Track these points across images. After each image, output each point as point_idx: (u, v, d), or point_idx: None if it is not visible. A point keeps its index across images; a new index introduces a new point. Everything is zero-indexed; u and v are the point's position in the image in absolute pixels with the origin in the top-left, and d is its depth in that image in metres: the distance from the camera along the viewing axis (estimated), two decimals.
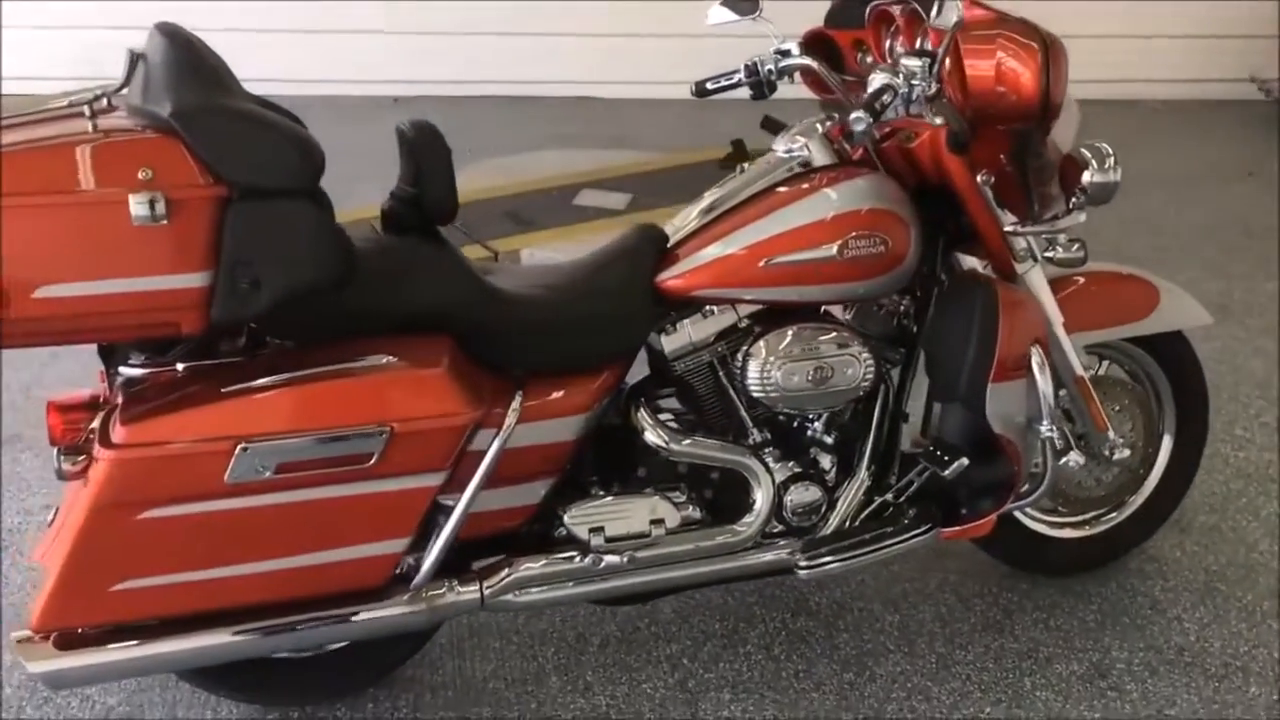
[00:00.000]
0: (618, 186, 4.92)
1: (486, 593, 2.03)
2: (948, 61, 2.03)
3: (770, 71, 2.36)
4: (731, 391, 2.18)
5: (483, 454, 1.91)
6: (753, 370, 2.11)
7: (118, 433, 1.70)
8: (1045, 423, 2.14)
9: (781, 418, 2.23)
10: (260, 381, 1.76)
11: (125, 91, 1.79)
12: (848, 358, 2.13)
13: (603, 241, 2.25)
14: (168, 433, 1.71)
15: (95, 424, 1.88)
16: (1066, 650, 2.39)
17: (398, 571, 1.97)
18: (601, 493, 2.13)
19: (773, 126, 5.47)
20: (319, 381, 1.77)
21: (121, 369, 1.86)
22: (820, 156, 2.19)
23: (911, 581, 2.59)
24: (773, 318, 2.17)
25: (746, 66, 2.36)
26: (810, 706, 2.24)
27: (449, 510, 1.94)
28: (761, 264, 2.07)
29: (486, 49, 6.63)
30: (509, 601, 2.06)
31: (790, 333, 2.12)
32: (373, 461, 1.79)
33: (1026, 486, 2.24)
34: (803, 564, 2.18)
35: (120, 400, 1.79)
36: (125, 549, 1.76)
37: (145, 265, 1.66)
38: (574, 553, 2.08)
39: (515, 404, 1.93)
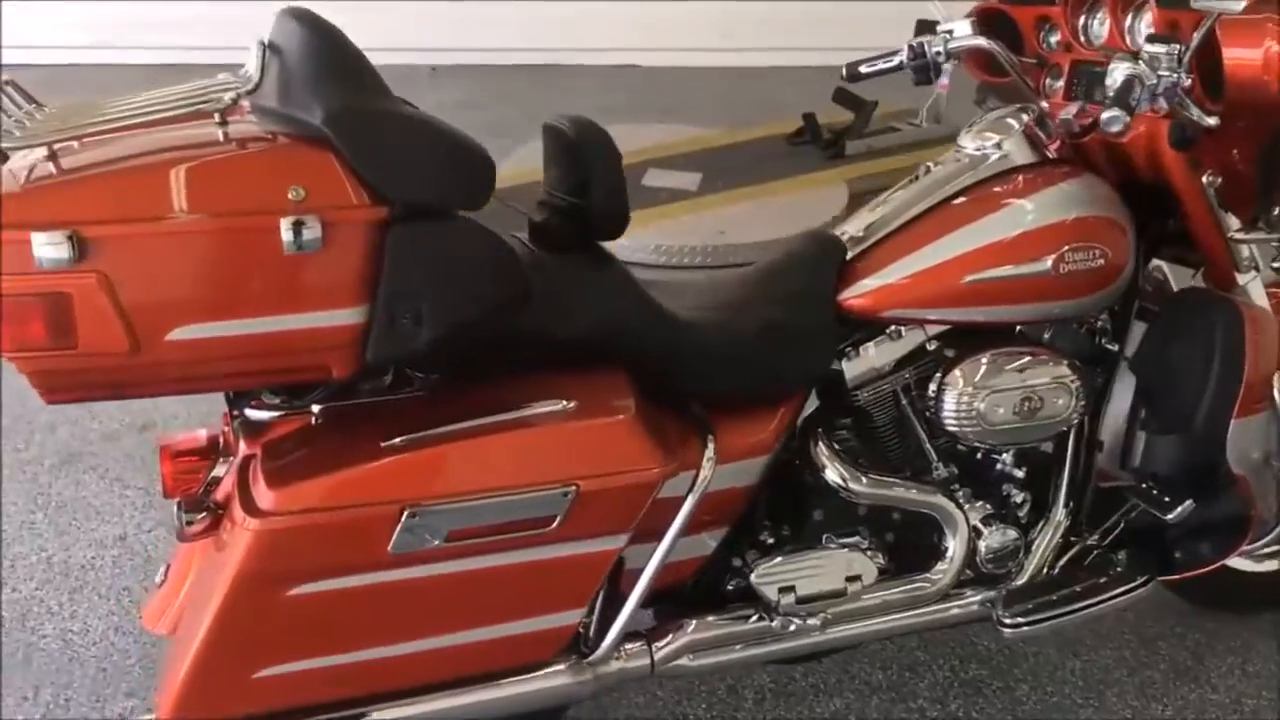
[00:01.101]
0: (684, 165, 4.64)
1: (657, 657, 1.78)
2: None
3: (939, 54, 2.07)
4: (915, 422, 1.92)
5: (667, 507, 1.65)
6: (949, 401, 1.85)
7: (266, 498, 1.44)
8: None
9: (964, 450, 1.97)
10: (426, 434, 1.49)
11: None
12: (1058, 386, 1.86)
13: (772, 251, 1.98)
14: (324, 497, 1.44)
15: (219, 473, 1.65)
16: (1273, 702, 2.15)
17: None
18: (771, 540, 1.87)
19: (847, 100, 5.18)
20: (494, 434, 1.50)
21: (248, 411, 1.60)
22: (1020, 155, 1.92)
23: (1085, 622, 2.33)
24: (962, 339, 1.91)
25: (911, 47, 2.07)
26: None
27: (626, 571, 1.69)
28: (964, 281, 1.81)
29: (522, 16, 6.33)
30: (681, 666, 1.81)
31: (991, 359, 1.85)
32: (555, 525, 1.53)
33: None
34: (1007, 620, 1.92)
35: (258, 452, 1.53)
36: (272, 630, 1.49)
37: (296, 301, 1.39)
38: (755, 612, 1.83)
39: (710, 451, 1.67)
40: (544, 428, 1.52)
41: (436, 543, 1.49)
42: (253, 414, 1.60)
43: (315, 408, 1.58)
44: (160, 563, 2.39)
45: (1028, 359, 1.87)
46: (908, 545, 1.94)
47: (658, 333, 1.68)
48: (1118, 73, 1.74)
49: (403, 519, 1.46)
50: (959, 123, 5.52)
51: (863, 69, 2.14)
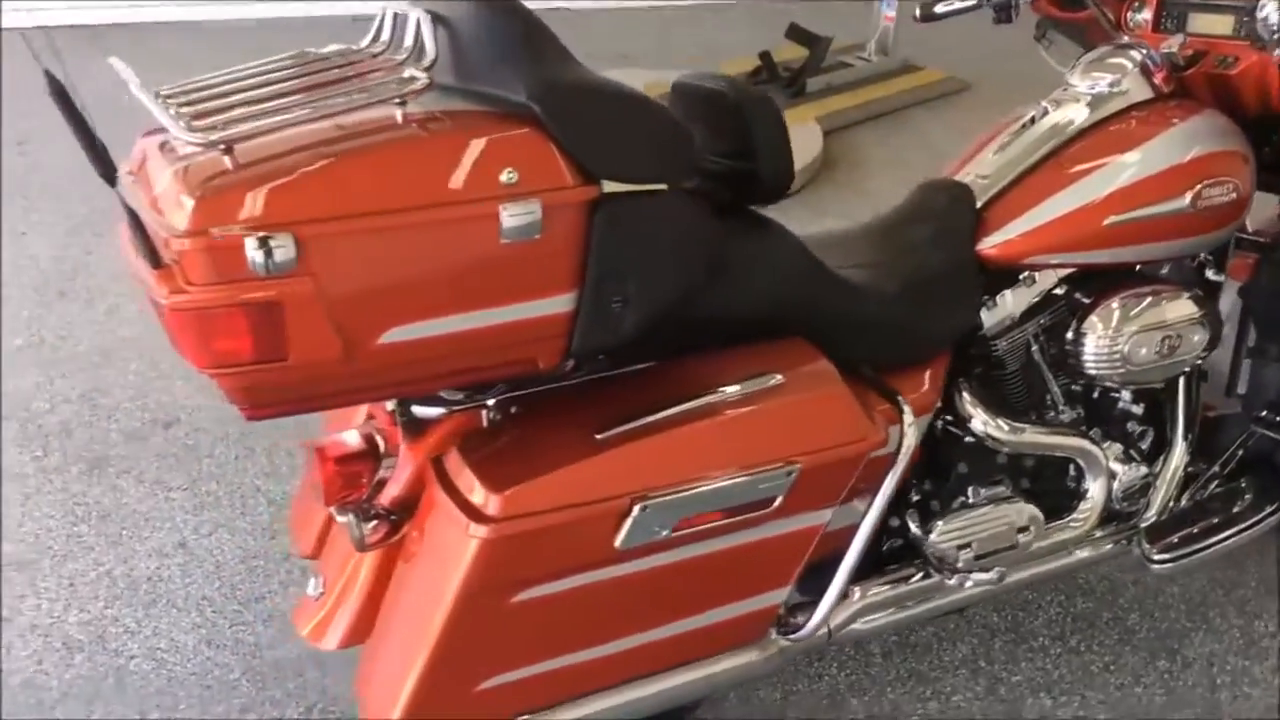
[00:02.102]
0: None
1: (833, 625, 1.75)
2: None
3: None
4: (1043, 367, 1.92)
5: (864, 474, 1.61)
6: (1091, 346, 1.84)
7: (491, 502, 1.34)
8: None
9: (1085, 391, 1.98)
10: (645, 422, 1.41)
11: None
12: (1192, 321, 1.87)
13: (898, 203, 1.94)
14: (554, 497, 1.35)
15: (384, 475, 1.54)
16: None
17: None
18: (917, 496, 1.85)
19: (800, 36, 5.13)
20: (716, 416, 1.43)
21: (415, 409, 1.50)
22: (1139, 91, 1.91)
23: None
24: (1087, 282, 1.90)
25: None
26: (1139, 705, 2.03)
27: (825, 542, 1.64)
28: (1106, 223, 1.80)
29: None
30: (854, 631, 1.78)
31: (1125, 301, 1.85)
32: (776, 505, 1.48)
33: None
34: (1156, 556, 1.95)
35: (452, 453, 1.43)
36: (498, 640, 1.41)
37: (510, 291, 1.30)
38: (918, 570, 1.82)
39: (909, 414, 1.63)
40: (764, 406, 1.46)
41: (664, 534, 1.42)
42: (421, 411, 1.50)
43: (490, 401, 1.49)
44: (229, 568, 2.29)
45: (1162, 297, 1.87)
46: (1043, 490, 1.94)
47: (834, 299, 1.63)
48: (1270, 6, 1.73)
49: (634, 512, 1.38)
50: (907, 54, 5.54)
51: (938, 9, 2.09)
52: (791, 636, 1.66)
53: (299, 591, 2.21)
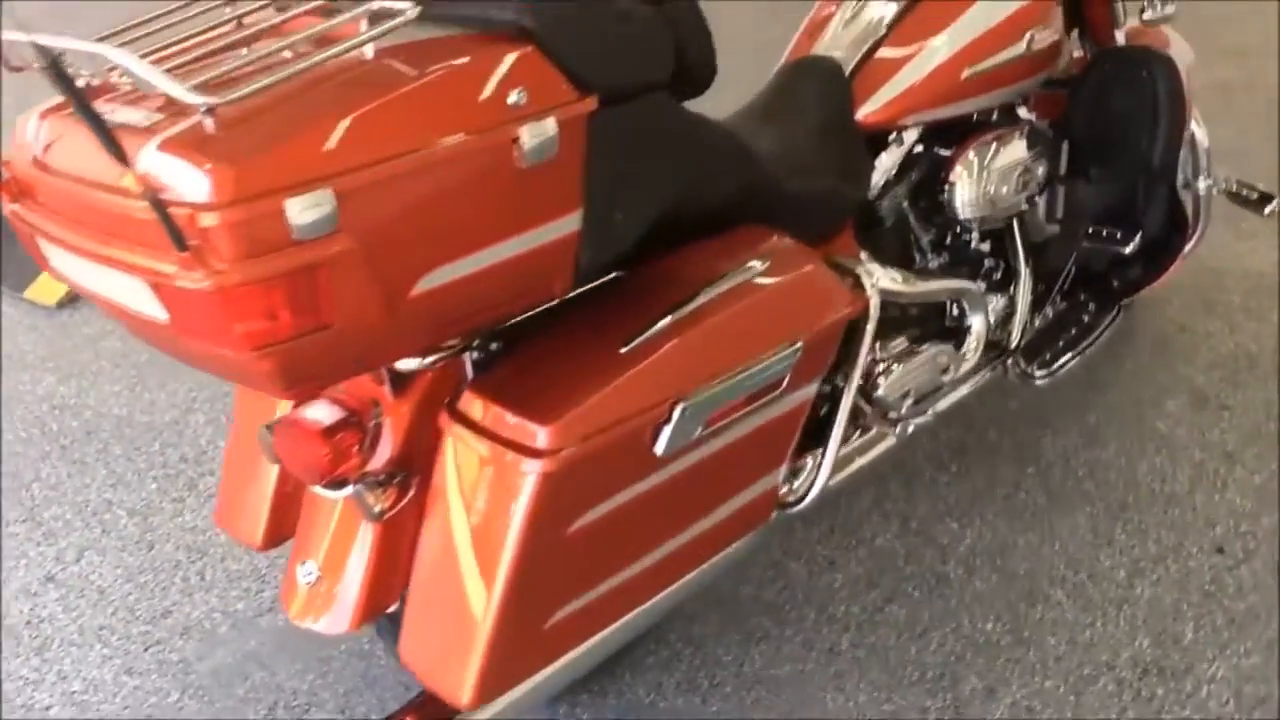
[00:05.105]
0: None
1: (812, 490, 1.81)
2: None
3: None
4: (912, 219, 2.07)
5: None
6: (962, 192, 2.01)
7: (543, 434, 1.30)
8: (1205, 177, 2.23)
9: (941, 238, 2.15)
10: (661, 327, 1.42)
11: None
12: (1038, 155, 2.08)
13: (769, 89, 2.00)
14: (600, 416, 1.34)
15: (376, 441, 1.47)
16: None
17: None
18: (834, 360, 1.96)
19: None
20: (726, 309, 1.45)
21: (399, 364, 1.44)
22: None
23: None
24: (939, 135, 2.05)
25: None
26: (1028, 509, 2.26)
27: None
28: (964, 76, 1.95)
29: None
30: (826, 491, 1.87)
31: (982, 147, 2.02)
32: (783, 386, 1.53)
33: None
34: (1038, 373, 2.17)
35: (475, 395, 1.38)
36: (560, 573, 1.39)
37: (532, 216, 1.28)
38: (856, 428, 1.92)
39: (867, 279, 1.70)
40: (764, 291, 1.50)
41: (697, 432, 1.44)
42: (404, 364, 1.44)
43: (474, 341, 1.45)
44: (115, 591, 2.10)
45: (1008, 139, 2.05)
46: (929, 332, 2.09)
47: (770, 182, 1.68)
48: None
49: (674, 416, 1.39)
50: None
51: None
52: (796, 509, 1.73)
53: (205, 598, 2.06)
